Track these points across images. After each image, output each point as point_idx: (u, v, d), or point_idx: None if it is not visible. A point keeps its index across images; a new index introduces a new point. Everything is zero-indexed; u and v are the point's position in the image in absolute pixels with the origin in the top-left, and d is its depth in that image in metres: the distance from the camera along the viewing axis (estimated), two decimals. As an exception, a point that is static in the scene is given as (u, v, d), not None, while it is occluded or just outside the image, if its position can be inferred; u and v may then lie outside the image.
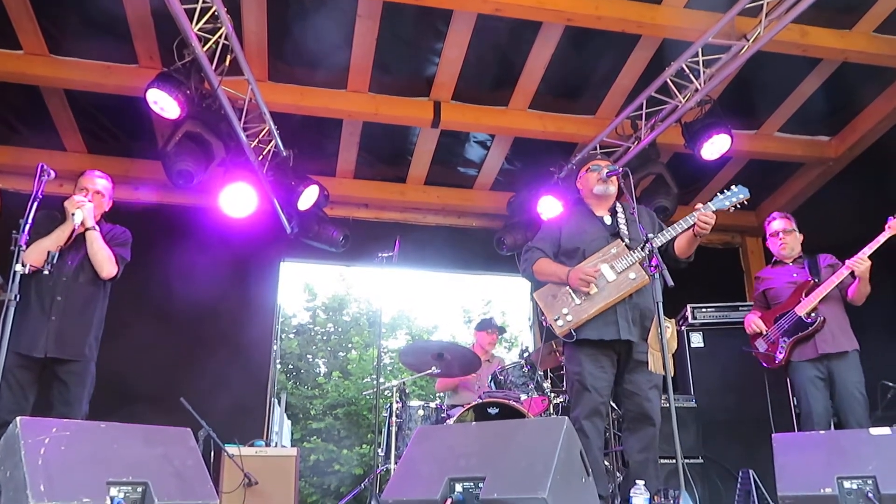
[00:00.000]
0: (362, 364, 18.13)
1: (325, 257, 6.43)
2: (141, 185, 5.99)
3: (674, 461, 2.88)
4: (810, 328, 4.08)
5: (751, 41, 4.59)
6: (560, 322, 3.54)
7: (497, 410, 4.35)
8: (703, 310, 5.78)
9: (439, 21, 4.79)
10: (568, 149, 6.02)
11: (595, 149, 5.63)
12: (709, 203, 3.59)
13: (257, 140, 5.15)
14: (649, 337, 3.37)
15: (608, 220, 3.79)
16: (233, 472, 4.27)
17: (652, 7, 4.68)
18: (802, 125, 5.91)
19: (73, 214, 3.63)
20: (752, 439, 4.83)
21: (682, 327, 5.75)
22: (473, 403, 4.47)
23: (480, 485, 2.36)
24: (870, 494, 2.48)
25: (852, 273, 4.05)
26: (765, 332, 4.26)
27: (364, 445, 16.36)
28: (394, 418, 4.62)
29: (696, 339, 5.71)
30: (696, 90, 4.95)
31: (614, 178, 3.75)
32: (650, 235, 3.31)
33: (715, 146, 5.15)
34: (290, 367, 19.01)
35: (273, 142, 5.23)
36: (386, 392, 4.89)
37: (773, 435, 2.86)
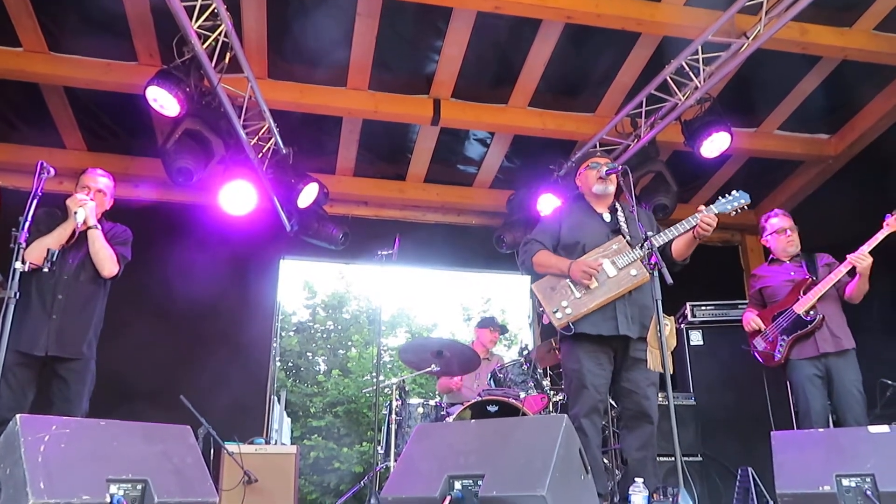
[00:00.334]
0: (362, 362, 18.14)
1: (325, 255, 6.43)
2: (141, 182, 5.99)
3: (673, 459, 2.89)
4: (809, 326, 4.08)
5: (751, 39, 4.59)
6: (559, 314, 3.53)
7: (496, 408, 4.36)
8: (703, 308, 5.79)
9: (439, 19, 4.79)
10: (567, 147, 6.02)
11: (595, 147, 5.63)
12: (711, 206, 3.60)
13: (257, 138, 5.15)
14: (648, 335, 3.37)
15: (608, 217, 3.80)
16: (232, 470, 4.27)
17: (652, 5, 4.68)
18: (802, 123, 5.91)
19: (75, 213, 3.62)
20: (751, 437, 4.84)
21: (682, 325, 5.76)
22: (473, 401, 4.48)
23: (479, 482, 2.36)
24: (868, 492, 2.49)
25: (850, 271, 4.05)
26: (763, 331, 4.26)
27: (364, 443, 16.37)
28: (393, 416, 4.63)
29: (696, 337, 5.72)
30: (696, 88, 4.95)
31: (613, 176, 3.76)
32: (650, 233, 3.32)
33: (714, 144, 5.15)
34: (290, 364, 19.02)
35: (273, 139, 5.23)
36: (386, 390, 4.89)
37: (771, 433, 2.86)
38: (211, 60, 4.36)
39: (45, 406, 3.65)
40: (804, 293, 4.15)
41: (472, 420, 4.24)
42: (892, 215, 4.02)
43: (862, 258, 3.98)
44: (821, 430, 3.71)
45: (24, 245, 3.00)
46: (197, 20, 4.13)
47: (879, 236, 4.01)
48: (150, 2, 4.50)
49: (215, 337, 5.82)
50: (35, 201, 3.17)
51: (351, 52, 5.02)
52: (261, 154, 5.26)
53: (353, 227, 6.13)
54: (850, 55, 5.00)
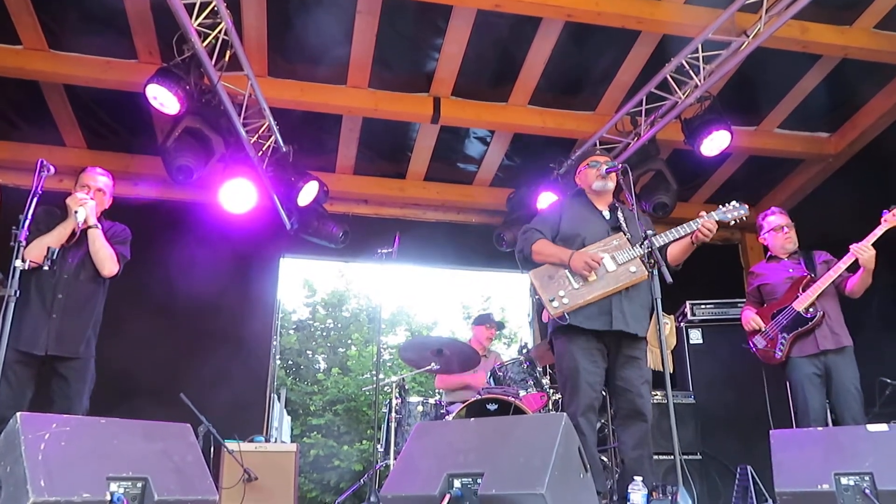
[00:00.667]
0: (362, 360, 18.14)
1: (325, 253, 6.43)
2: (140, 180, 5.99)
3: (672, 457, 2.89)
4: (810, 323, 4.08)
5: (751, 37, 4.58)
6: (555, 303, 3.52)
7: (496, 407, 4.36)
8: (702, 306, 5.80)
9: (439, 17, 4.79)
10: (567, 145, 6.02)
11: (595, 145, 5.63)
12: (712, 213, 3.63)
13: (257, 136, 5.14)
14: (648, 333, 3.38)
15: (608, 214, 3.82)
16: (232, 468, 4.28)
17: (652, 3, 4.67)
18: (802, 122, 5.90)
19: (75, 212, 3.62)
20: (751, 435, 4.85)
21: (681, 324, 5.77)
22: (472, 400, 4.48)
23: (479, 480, 2.36)
24: (867, 490, 2.49)
25: (850, 267, 4.05)
26: (763, 329, 4.26)
27: (364, 441, 16.38)
28: (393, 414, 4.63)
29: (695, 336, 5.73)
30: (696, 86, 4.95)
31: (613, 174, 3.77)
32: (650, 232, 3.33)
33: (714, 142, 5.15)
34: (290, 363, 19.02)
35: (273, 137, 5.23)
36: (385, 388, 4.90)
37: (770, 431, 2.87)
38: (211, 58, 4.36)
39: (44, 404, 3.65)
40: (803, 290, 4.14)
41: (472, 418, 4.25)
42: (890, 211, 4.02)
43: (864, 249, 3.98)
44: (820, 428, 3.71)
45: (24, 243, 3.00)
46: (197, 18, 4.12)
47: (878, 232, 4.01)
48: (150, -1, 4.50)
49: (215, 335, 5.82)
50: (35, 199, 3.16)
51: (351, 50, 5.02)
52: (261, 152, 5.26)
53: (353, 226, 6.13)
54: (850, 53, 5.00)
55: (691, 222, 3.59)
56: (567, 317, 3.50)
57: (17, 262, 2.94)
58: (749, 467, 4.13)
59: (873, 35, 4.92)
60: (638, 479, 2.97)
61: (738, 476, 4.20)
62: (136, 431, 2.53)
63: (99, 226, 3.79)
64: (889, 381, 4.31)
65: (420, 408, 4.70)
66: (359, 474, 14.41)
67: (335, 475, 15.92)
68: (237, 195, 5.31)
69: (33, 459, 2.17)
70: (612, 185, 3.82)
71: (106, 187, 3.97)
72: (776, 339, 4.19)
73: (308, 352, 19.79)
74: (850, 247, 4.04)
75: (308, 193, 5.45)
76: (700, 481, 5.01)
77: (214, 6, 4.13)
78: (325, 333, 20.35)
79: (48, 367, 3.69)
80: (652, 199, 5.64)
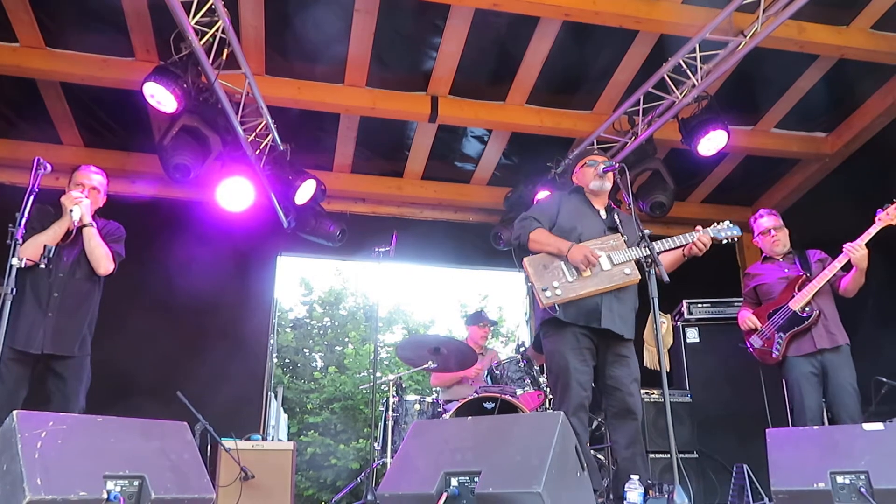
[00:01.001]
0: (359, 358, 18.13)
1: (322, 252, 6.43)
2: (138, 178, 5.98)
3: (669, 456, 2.90)
4: (806, 322, 4.09)
5: (748, 37, 4.59)
6: (548, 293, 3.52)
7: (493, 405, 4.37)
8: (699, 305, 5.81)
9: (437, 16, 4.78)
10: (565, 144, 6.02)
11: (592, 144, 5.63)
12: (707, 229, 3.68)
13: (254, 134, 5.14)
14: (645, 332, 3.39)
15: (604, 214, 3.83)
16: (229, 466, 4.27)
17: (650, 2, 4.68)
18: (799, 121, 5.92)
19: (70, 211, 3.61)
20: (747, 434, 4.85)
21: (678, 322, 5.77)
22: (469, 398, 4.49)
23: (476, 479, 2.37)
24: (862, 489, 2.50)
25: (845, 266, 4.06)
26: (759, 329, 4.27)
27: (361, 440, 16.38)
28: (390, 413, 4.64)
29: (692, 335, 5.74)
30: (694, 86, 4.95)
31: (610, 173, 3.78)
32: (648, 232, 3.34)
33: (712, 142, 5.16)
34: (287, 361, 19.00)
35: (270, 136, 5.22)
36: (382, 386, 4.90)
37: (766, 430, 2.88)
38: (208, 56, 4.35)
39: (40, 403, 3.64)
40: (799, 289, 4.16)
41: (469, 417, 4.25)
42: (884, 210, 4.03)
43: (857, 248, 3.99)
44: (816, 427, 3.72)
45: (20, 241, 3.00)
46: (194, 16, 4.12)
47: (872, 231, 4.02)
48: (148, -3, 4.49)
49: (212, 333, 5.82)
50: (32, 197, 3.16)
51: (349, 49, 5.01)
52: (258, 150, 5.25)
53: (350, 224, 6.13)
54: (847, 54, 5.01)
55: (687, 234, 3.63)
56: (557, 308, 3.51)
57: (14, 261, 2.94)
58: (745, 466, 4.15)
59: (870, 35, 4.94)
60: (635, 478, 2.98)
61: (734, 474, 4.22)
62: (133, 429, 2.53)
63: (94, 224, 3.78)
64: (885, 379, 4.32)
65: (417, 406, 4.71)
66: (356, 472, 14.40)
67: (332, 473, 15.92)
68: (234, 193, 5.30)
69: (30, 457, 2.17)
70: (608, 184, 3.83)
71: (100, 186, 3.95)
72: (773, 338, 4.20)
73: (305, 350, 19.78)
74: (844, 246, 4.06)
75: (305, 192, 5.45)
76: (696, 480, 5.02)
77: (212, 4, 4.12)
78: (322, 332, 20.33)
79: (43, 365, 3.68)
80: (649, 199, 5.65)
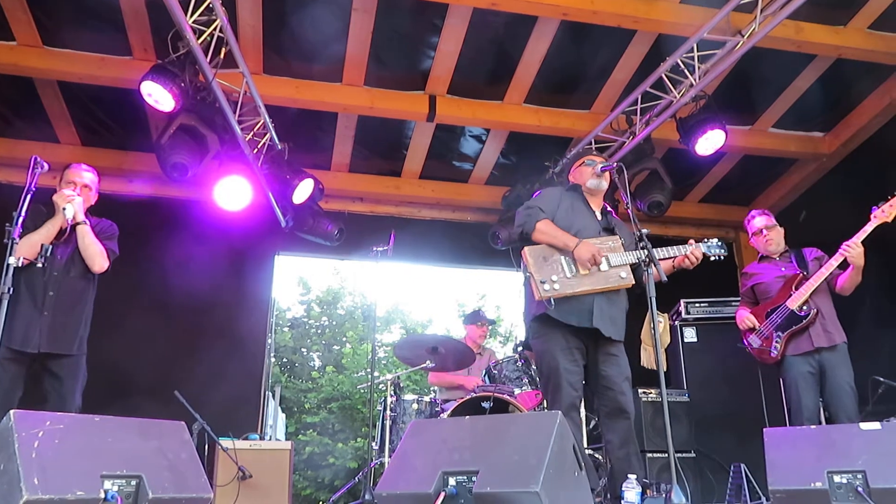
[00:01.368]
0: (356, 358, 18.13)
1: (320, 251, 6.42)
2: (135, 177, 5.97)
3: (666, 455, 2.90)
4: (804, 321, 4.09)
5: (746, 37, 4.60)
6: (546, 286, 3.49)
7: (491, 405, 4.37)
8: (697, 304, 5.81)
9: (435, 15, 4.78)
10: (563, 143, 6.02)
11: (590, 144, 5.64)
12: (699, 244, 3.70)
13: (252, 133, 5.13)
14: (643, 332, 3.39)
15: (599, 216, 3.83)
16: (227, 466, 4.27)
17: (647, 2, 4.68)
18: (797, 121, 5.93)
19: (63, 209, 3.59)
20: (745, 433, 4.86)
21: (676, 322, 5.78)
22: (467, 398, 4.49)
23: (474, 478, 2.36)
24: (859, 488, 2.50)
25: (841, 264, 4.07)
26: (757, 328, 4.28)
27: (358, 439, 16.38)
28: (388, 412, 4.63)
29: (690, 334, 5.74)
30: (691, 85, 4.96)
31: (607, 173, 3.78)
32: (645, 231, 3.35)
33: (709, 142, 5.17)
34: (285, 360, 18.99)
35: (268, 135, 5.22)
36: (380, 386, 4.90)
37: (764, 429, 2.88)
38: (206, 55, 4.35)
39: (36, 403, 3.62)
40: (796, 288, 4.16)
41: (467, 416, 4.25)
42: (879, 207, 4.04)
43: (853, 247, 4.00)
44: (813, 426, 3.72)
45: (17, 240, 2.99)
46: (192, 15, 4.11)
47: (868, 228, 4.02)
48: (145, -4, 4.49)
49: (210, 333, 5.82)
50: (29, 196, 3.15)
51: (347, 48, 5.01)
52: (256, 150, 5.25)
53: (348, 223, 6.13)
54: (844, 54, 5.02)
55: (681, 246, 3.65)
56: (553, 302, 3.50)
57: (11, 260, 2.93)
58: (743, 465, 4.15)
59: (867, 35, 4.95)
60: (632, 477, 2.98)
61: (731, 474, 4.22)
62: (131, 429, 2.52)
63: (87, 222, 3.76)
64: (882, 379, 4.32)
65: (415, 405, 4.70)
66: (353, 472, 14.38)
67: (330, 473, 15.92)
68: (232, 193, 5.29)
69: (27, 457, 2.16)
70: (605, 184, 3.83)
71: (92, 183, 3.93)
72: (771, 337, 4.20)
73: (303, 349, 19.77)
74: (841, 245, 4.06)
75: (303, 191, 5.44)
76: (694, 479, 5.02)
77: (210, 3, 4.11)
78: (319, 331, 20.33)
79: (39, 364, 3.66)
80: (647, 198, 5.66)
